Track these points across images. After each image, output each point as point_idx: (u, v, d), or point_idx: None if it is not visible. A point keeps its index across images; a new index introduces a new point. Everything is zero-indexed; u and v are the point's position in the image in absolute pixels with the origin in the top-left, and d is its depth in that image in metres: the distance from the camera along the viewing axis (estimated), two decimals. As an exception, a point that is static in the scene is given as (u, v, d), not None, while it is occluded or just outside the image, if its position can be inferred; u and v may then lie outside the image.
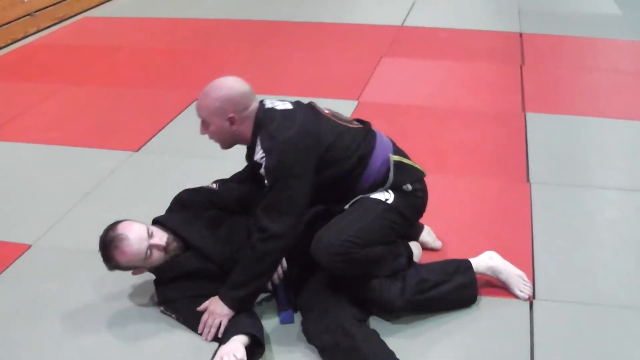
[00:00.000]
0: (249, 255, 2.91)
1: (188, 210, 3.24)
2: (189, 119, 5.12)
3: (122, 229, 2.96)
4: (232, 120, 2.95)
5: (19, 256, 3.57)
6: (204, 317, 2.96)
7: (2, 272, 3.45)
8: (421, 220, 3.43)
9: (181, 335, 3.01)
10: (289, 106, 3.06)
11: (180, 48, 6.95)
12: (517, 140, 4.69)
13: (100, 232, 3.00)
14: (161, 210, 3.28)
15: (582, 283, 3.27)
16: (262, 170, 2.89)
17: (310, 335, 2.90)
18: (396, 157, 3.12)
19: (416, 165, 3.22)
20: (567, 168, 4.33)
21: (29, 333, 3.05)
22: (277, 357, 2.88)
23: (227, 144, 3.09)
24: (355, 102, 5.33)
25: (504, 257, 3.24)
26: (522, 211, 3.82)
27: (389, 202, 3.03)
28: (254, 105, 3.01)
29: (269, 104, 3.05)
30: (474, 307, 3.10)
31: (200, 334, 2.96)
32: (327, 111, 3.14)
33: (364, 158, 3.05)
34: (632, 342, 2.91)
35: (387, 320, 3.02)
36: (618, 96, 5.51)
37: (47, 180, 4.38)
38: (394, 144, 3.21)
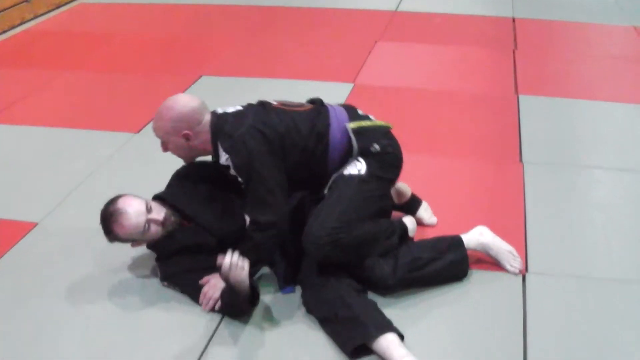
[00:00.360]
0: (247, 244, 2.99)
1: (186, 185, 3.33)
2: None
3: (121, 203, 3.06)
4: (187, 137, 3.05)
5: (26, 234, 3.67)
6: (205, 289, 3.06)
7: (10, 248, 3.55)
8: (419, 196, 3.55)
9: (183, 306, 3.11)
10: (240, 108, 3.15)
11: (177, 33, 7.01)
12: (510, 122, 4.78)
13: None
14: (161, 189, 3.38)
15: (573, 258, 3.36)
16: (232, 171, 3.01)
17: (311, 307, 3.00)
18: (353, 124, 3.14)
19: (378, 123, 3.25)
20: (559, 149, 4.41)
21: (35, 307, 3.15)
22: (279, 326, 2.98)
23: (189, 158, 3.23)
24: (351, 85, 5.41)
25: (497, 233, 3.32)
26: (515, 190, 3.91)
27: (362, 172, 3.08)
28: (207, 117, 3.09)
29: (220, 111, 3.14)
30: (467, 281, 3.19)
31: (201, 305, 3.06)
32: (275, 103, 3.21)
33: (322, 135, 3.10)
34: (620, 313, 3.00)
35: (381, 295, 3.10)
36: (609, 80, 5.60)
37: (51, 161, 4.47)
38: (352, 111, 3.25)
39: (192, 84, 5.54)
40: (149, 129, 4.71)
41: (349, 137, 3.11)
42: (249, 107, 3.16)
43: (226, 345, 2.89)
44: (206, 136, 3.06)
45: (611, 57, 6.14)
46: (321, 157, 3.11)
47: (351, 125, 3.14)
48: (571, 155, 4.35)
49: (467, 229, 3.37)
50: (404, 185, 3.55)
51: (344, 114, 3.19)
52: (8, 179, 4.27)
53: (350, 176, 3.08)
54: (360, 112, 3.28)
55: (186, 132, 3.04)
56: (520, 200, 3.81)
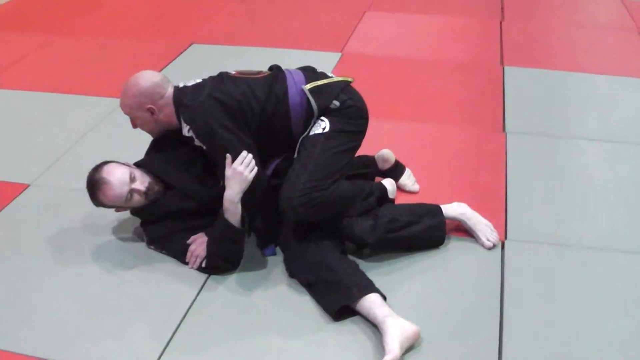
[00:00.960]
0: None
1: (165, 151, 3.37)
2: (181, 67, 5.29)
3: (105, 172, 3.14)
4: (151, 111, 3.15)
5: (18, 195, 3.74)
6: (192, 247, 3.14)
7: (2, 208, 3.63)
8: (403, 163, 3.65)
9: (169, 265, 3.20)
10: (199, 81, 3.22)
11: (168, -1, 7.06)
12: (494, 92, 4.86)
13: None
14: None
15: (553, 226, 3.44)
16: (196, 142, 3.08)
17: (294, 272, 3.08)
18: (309, 85, 3.18)
19: (335, 79, 3.28)
20: (542, 119, 4.49)
21: (25, 265, 3.23)
22: (264, 289, 3.05)
23: (156, 132, 3.31)
24: (339, 54, 5.48)
25: (478, 201, 3.43)
26: (498, 159, 3.99)
27: (327, 129, 3.13)
28: (169, 91, 3.17)
29: (181, 85, 3.21)
30: (447, 247, 3.27)
31: (187, 264, 3.15)
32: (234, 72, 3.28)
33: (281, 98, 3.15)
34: (597, 281, 3.07)
35: (360, 259, 3.17)
36: (595, 51, 5.68)
37: (44, 125, 4.53)
38: (309, 73, 3.30)
39: (183, 51, 5.59)
40: (138, 94, 4.82)
41: (307, 98, 3.16)
42: (207, 79, 3.23)
43: (211, 305, 2.97)
44: (170, 109, 3.15)
45: (597, 27, 6.22)
46: (283, 121, 3.17)
47: (307, 86, 3.18)
48: (554, 126, 4.42)
49: (449, 196, 3.47)
50: (388, 152, 3.62)
51: (300, 76, 3.24)
52: (2, 142, 4.33)
53: (315, 135, 3.13)
54: (318, 71, 3.34)
55: (150, 106, 3.14)
56: (502, 169, 3.89)
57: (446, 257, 3.22)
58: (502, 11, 6.53)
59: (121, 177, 3.11)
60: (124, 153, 3.39)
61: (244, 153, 2.98)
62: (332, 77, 3.30)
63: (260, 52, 5.56)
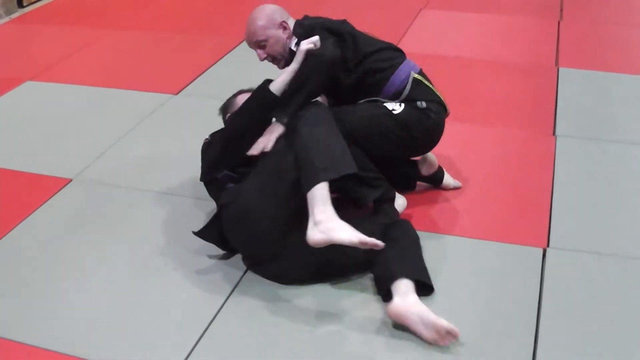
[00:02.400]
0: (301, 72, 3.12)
1: None
2: (230, 64, 5.29)
3: None
4: (284, 26, 3.30)
5: (60, 189, 3.77)
6: (261, 139, 3.08)
7: (43, 202, 3.66)
8: (444, 168, 3.62)
9: (208, 260, 3.20)
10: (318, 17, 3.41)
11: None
12: (547, 93, 4.75)
13: (136, 170, 3.17)
14: (197, 151, 3.37)
15: (597, 234, 3.34)
16: (301, 44, 3.15)
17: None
18: (417, 76, 3.34)
19: (438, 93, 3.40)
20: (595, 123, 4.37)
21: (62, 261, 3.25)
22: (294, 296, 3.02)
23: (285, 54, 3.32)
24: (392, 52, 5.40)
25: (523, 205, 3.41)
26: (545, 162, 3.90)
27: (395, 112, 3.25)
28: (292, 19, 3.38)
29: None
30: (488, 252, 3.21)
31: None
32: None
33: (394, 66, 3.31)
34: (638, 293, 2.98)
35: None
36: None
37: (90, 119, 4.56)
38: (422, 71, 3.43)
39: (234, 47, 5.58)
40: (188, 90, 4.85)
41: (407, 82, 3.31)
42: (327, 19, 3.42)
43: (240, 308, 2.94)
44: (289, 31, 3.31)
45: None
46: (379, 83, 3.31)
47: (416, 75, 3.34)
48: (606, 130, 4.29)
49: (493, 197, 3.51)
50: (432, 156, 3.57)
51: (417, 67, 3.41)
52: (47, 136, 4.37)
53: (384, 106, 3.27)
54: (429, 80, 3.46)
55: (282, 20, 3.30)
56: (550, 173, 3.80)
57: (486, 263, 3.15)
58: (561, 11, 6.40)
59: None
60: (170, 150, 3.39)
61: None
62: (436, 89, 3.43)
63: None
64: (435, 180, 3.61)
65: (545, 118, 4.41)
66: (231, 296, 2.98)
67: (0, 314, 2.94)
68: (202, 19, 6.43)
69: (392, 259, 2.89)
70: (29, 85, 5.11)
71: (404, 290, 2.77)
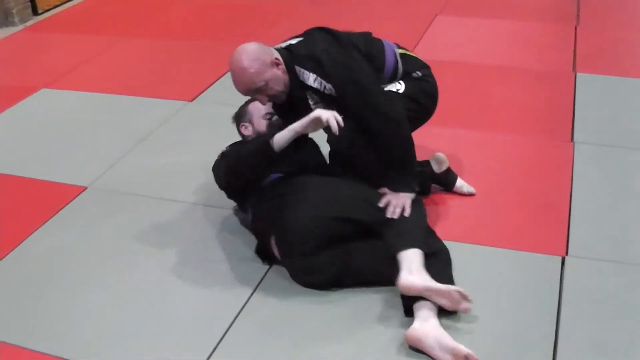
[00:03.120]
0: (391, 145, 3.10)
1: None
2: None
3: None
4: (277, 63, 3.09)
5: (75, 197, 3.76)
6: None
7: (59, 210, 3.65)
8: (461, 175, 3.60)
9: (225, 265, 3.18)
10: (301, 38, 3.23)
11: (237, 2, 7.03)
12: (565, 99, 4.70)
13: (151, 178, 3.15)
14: (213, 159, 3.37)
15: (616, 242, 3.30)
16: (328, 87, 3.04)
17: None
18: (401, 50, 3.38)
19: (419, 58, 3.47)
20: (613, 129, 4.32)
21: (76, 268, 3.24)
22: (315, 299, 3.00)
23: (284, 89, 3.15)
24: (407, 59, 5.37)
25: (540, 212, 3.39)
26: (563, 169, 3.86)
27: (400, 91, 3.25)
28: (275, 52, 3.15)
29: (283, 45, 3.21)
30: (506, 260, 3.17)
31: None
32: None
33: (381, 50, 3.29)
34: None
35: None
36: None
37: (104, 127, 4.56)
38: (399, 44, 3.45)
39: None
40: (203, 97, 4.85)
41: (397, 59, 3.31)
42: (303, 38, 3.23)
43: (258, 313, 2.92)
44: (282, 67, 3.11)
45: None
46: (377, 70, 3.25)
47: (399, 50, 3.37)
48: (625, 136, 4.24)
49: (510, 204, 3.46)
50: (442, 155, 3.59)
51: (393, 44, 3.40)
52: (62, 144, 4.37)
53: (389, 91, 3.25)
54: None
55: (274, 58, 3.08)
56: (568, 180, 3.76)
57: (504, 270, 3.12)
58: (578, 16, 6.35)
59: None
60: (185, 158, 3.37)
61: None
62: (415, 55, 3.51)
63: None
64: (448, 181, 3.60)
65: (562, 124, 4.37)
66: (246, 305, 2.96)
67: (14, 321, 2.93)
68: (216, 26, 6.42)
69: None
70: (44, 93, 5.12)
71: (425, 315, 2.74)
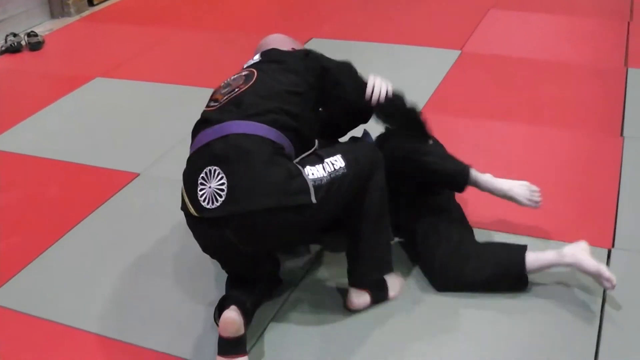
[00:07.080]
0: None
1: None
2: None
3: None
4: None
5: (128, 183, 3.85)
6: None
7: (111, 196, 3.74)
8: (510, 169, 3.57)
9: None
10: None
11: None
12: (615, 94, 4.67)
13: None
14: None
15: (664, 236, 3.28)
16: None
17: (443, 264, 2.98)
18: None
19: None
20: (663, 125, 4.30)
21: (126, 255, 3.31)
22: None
23: None
24: (458, 52, 5.39)
25: (588, 205, 3.42)
26: (612, 164, 3.85)
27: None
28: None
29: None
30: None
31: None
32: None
33: None
34: None
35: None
36: None
37: (158, 115, 4.65)
38: None
39: (305, 43, 5.61)
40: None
41: None
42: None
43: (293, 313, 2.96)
44: None
45: None
46: None
47: None
48: (675, 133, 4.22)
49: (557, 198, 3.44)
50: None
51: None
52: (117, 132, 4.47)
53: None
54: None
55: (292, 47, 3.23)
56: (616, 174, 3.75)
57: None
58: (631, 11, 6.29)
59: None
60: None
61: None
62: None
63: (377, 48, 5.56)
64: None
65: (613, 119, 4.35)
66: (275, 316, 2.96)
67: (65, 303, 3.02)
68: (269, 19, 6.49)
69: None
70: (98, 82, 5.23)
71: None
